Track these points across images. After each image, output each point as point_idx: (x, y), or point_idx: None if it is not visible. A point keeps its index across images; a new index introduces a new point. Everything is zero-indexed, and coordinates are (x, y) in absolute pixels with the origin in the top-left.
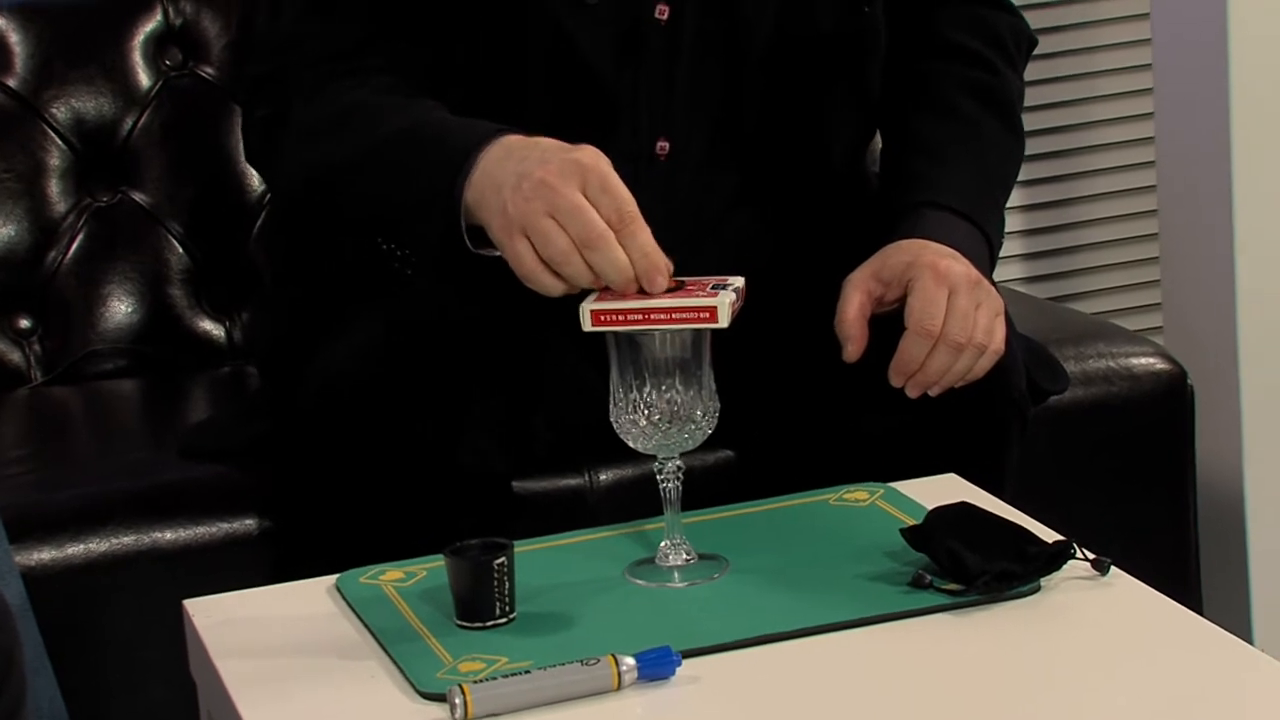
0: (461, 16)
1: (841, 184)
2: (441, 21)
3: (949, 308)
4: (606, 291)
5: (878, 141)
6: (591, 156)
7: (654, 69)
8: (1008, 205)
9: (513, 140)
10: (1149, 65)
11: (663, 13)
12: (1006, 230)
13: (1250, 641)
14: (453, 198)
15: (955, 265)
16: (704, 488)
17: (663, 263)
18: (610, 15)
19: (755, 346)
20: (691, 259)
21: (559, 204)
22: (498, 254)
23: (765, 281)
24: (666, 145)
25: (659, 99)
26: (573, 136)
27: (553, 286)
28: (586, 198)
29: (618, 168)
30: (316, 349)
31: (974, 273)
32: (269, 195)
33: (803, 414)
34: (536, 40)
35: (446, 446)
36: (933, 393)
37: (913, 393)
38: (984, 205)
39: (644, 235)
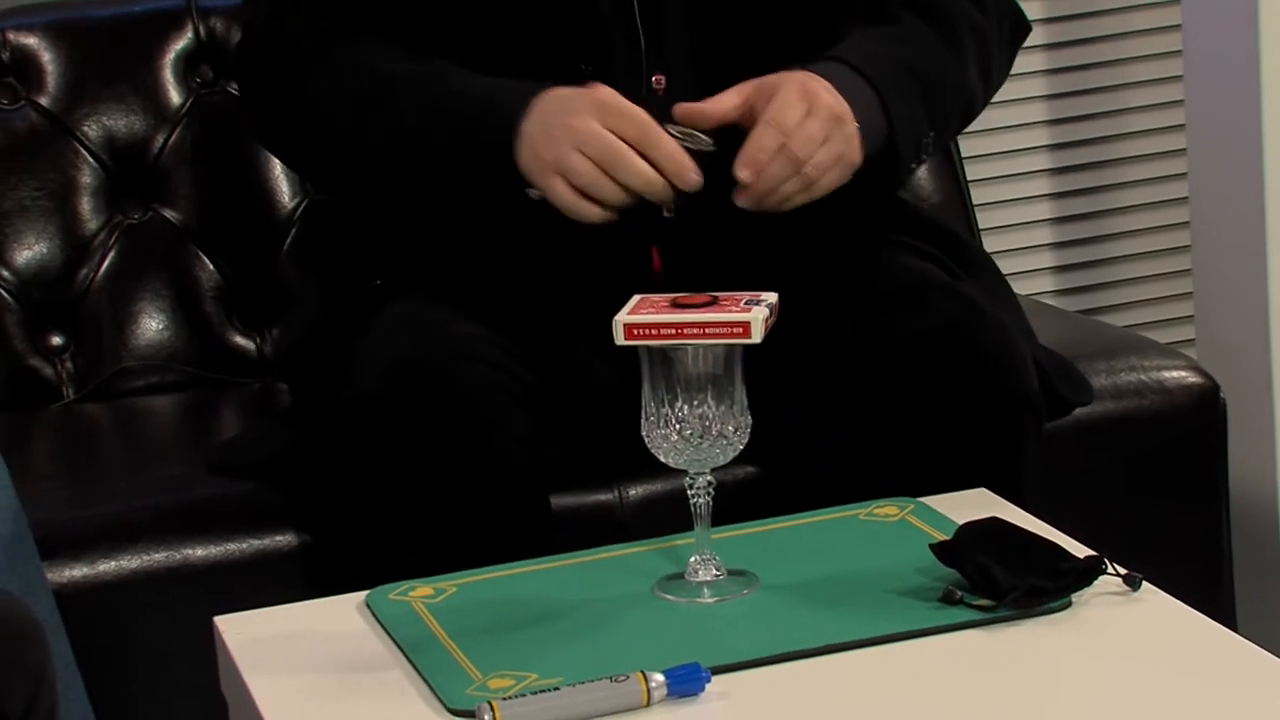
0: None
1: None
2: None
3: (801, 123)
4: (640, 304)
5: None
6: (605, 91)
7: (649, 2)
8: (1040, 218)
9: (542, 101)
10: (1180, 76)
11: None
12: (1038, 243)
13: None
14: (509, 167)
15: (823, 92)
16: (733, 502)
17: (689, 162)
18: None
19: (784, 361)
20: (691, 205)
21: (580, 136)
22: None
23: (775, 265)
24: (663, 79)
25: (653, 33)
26: (569, 73)
27: (591, 212)
28: (606, 127)
29: None
30: (346, 363)
31: (840, 108)
32: (300, 208)
33: (829, 428)
34: None
35: (480, 462)
36: (759, 203)
37: (746, 201)
38: (888, 73)
39: (666, 143)
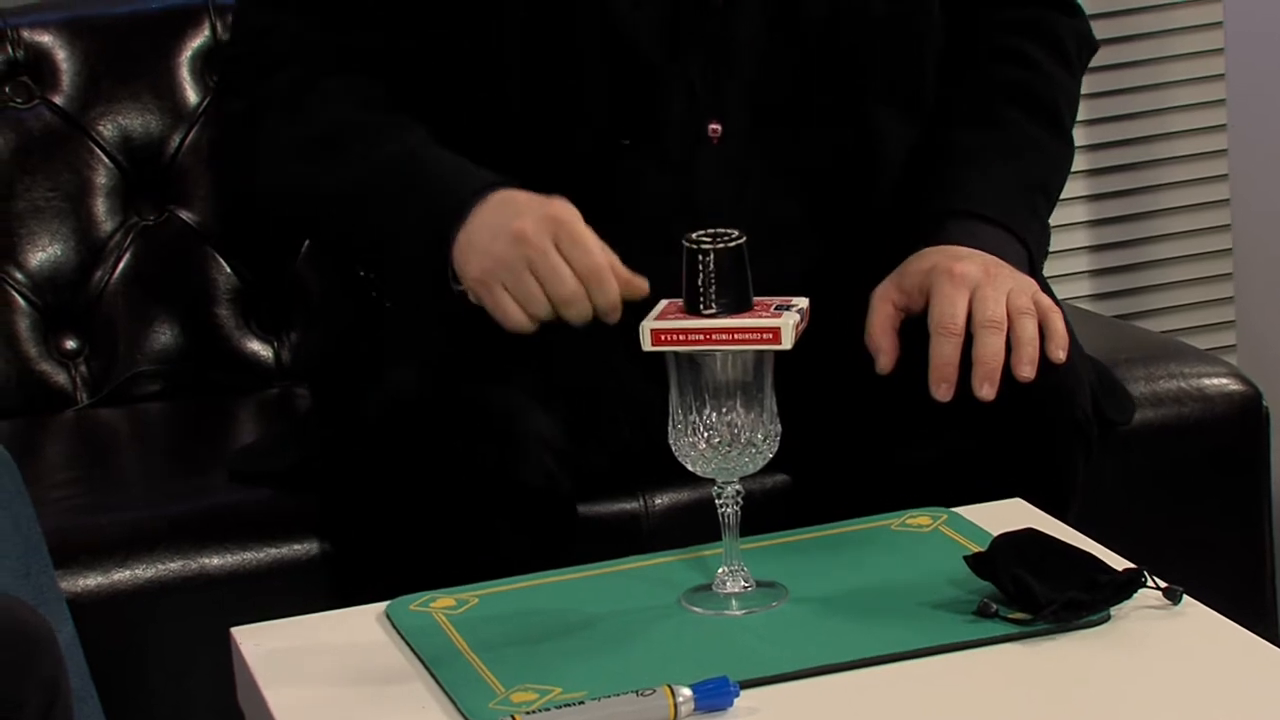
0: (510, 8)
1: (892, 190)
2: (487, 13)
3: (976, 299)
4: (668, 309)
5: None
6: (564, 210)
7: (709, 52)
8: (1077, 221)
9: (497, 196)
10: (1222, 75)
11: None
12: (1074, 246)
13: None
14: (443, 250)
15: (970, 266)
16: (762, 512)
17: (617, 314)
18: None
19: (815, 369)
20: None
21: (537, 263)
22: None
23: (816, 290)
24: (719, 127)
25: (712, 81)
26: (628, 120)
27: (524, 324)
28: (560, 252)
29: (672, 150)
30: (377, 369)
31: (993, 265)
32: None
33: (862, 437)
34: (588, 27)
35: (509, 467)
36: (1020, 373)
37: (987, 391)
38: (1018, 211)
39: (610, 290)
